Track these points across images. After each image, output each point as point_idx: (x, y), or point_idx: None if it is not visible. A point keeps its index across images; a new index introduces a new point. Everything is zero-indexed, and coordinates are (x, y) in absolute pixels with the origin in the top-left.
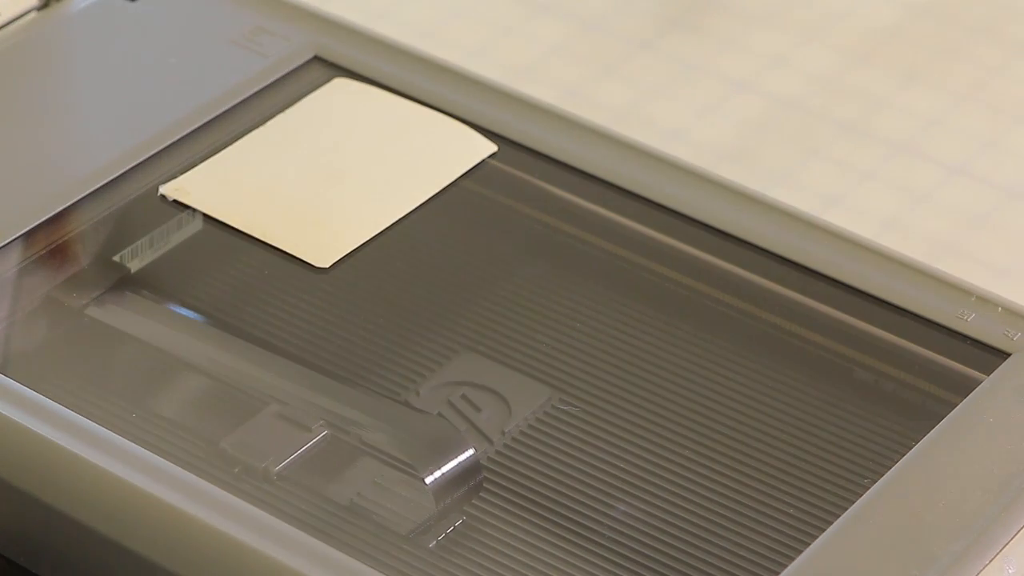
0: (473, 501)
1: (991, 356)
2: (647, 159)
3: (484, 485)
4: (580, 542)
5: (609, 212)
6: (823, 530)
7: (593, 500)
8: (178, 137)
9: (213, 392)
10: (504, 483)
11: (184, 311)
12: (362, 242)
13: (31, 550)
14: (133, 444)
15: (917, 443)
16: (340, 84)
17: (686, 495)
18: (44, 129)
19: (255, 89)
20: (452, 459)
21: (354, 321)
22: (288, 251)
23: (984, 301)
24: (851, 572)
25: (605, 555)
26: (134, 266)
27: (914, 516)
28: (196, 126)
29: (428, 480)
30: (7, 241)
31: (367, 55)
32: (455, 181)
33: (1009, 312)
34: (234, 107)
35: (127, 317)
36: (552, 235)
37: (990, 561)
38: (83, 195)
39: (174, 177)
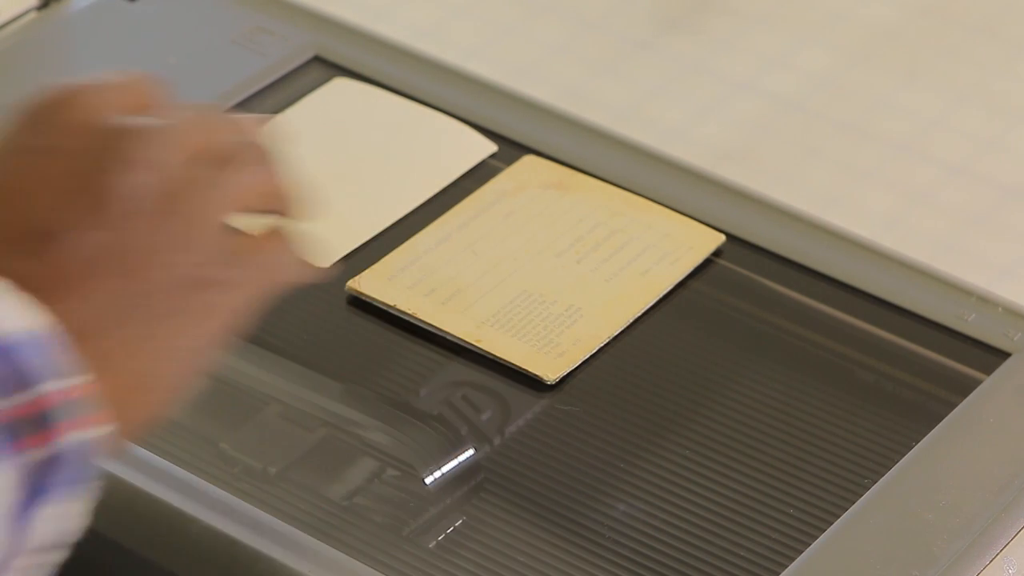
0: (473, 501)
1: (991, 356)
2: (647, 158)
3: (484, 485)
4: (580, 542)
5: None
6: (823, 530)
7: (593, 500)
8: None
9: (214, 392)
10: (504, 483)
11: None
12: (363, 241)
13: None
14: (133, 444)
15: (917, 443)
16: (340, 84)
17: (686, 495)
18: None
19: (255, 89)
20: (452, 459)
21: (353, 320)
22: None
23: (984, 301)
24: (851, 572)
25: (605, 555)
26: None
27: (914, 516)
28: None
29: (428, 480)
30: None
31: (367, 55)
32: (455, 181)
33: (1009, 312)
34: (234, 107)
35: None
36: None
37: (990, 561)
38: None
39: None
